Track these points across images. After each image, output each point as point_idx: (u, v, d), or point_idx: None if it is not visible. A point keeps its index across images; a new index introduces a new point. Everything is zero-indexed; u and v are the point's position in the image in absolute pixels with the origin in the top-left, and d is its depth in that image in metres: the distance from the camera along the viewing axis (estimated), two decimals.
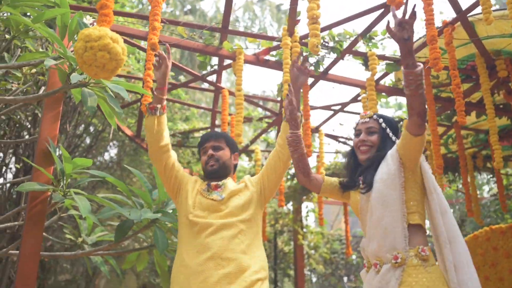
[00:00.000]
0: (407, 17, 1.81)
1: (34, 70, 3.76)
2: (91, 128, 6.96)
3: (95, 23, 2.76)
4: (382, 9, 3.73)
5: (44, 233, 4.47)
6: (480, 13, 3.41)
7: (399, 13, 1.84)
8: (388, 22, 1.85)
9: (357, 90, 4.86)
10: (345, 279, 10.23)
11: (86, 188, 6.96)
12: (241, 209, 2.47)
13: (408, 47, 1.84)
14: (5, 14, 2.80)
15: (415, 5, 1.81)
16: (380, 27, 4.10)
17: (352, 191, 2.28)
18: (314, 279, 10.70)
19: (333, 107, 5.53)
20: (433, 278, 1.92)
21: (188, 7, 17.33)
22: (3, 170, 5.20)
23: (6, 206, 5.09)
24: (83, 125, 6.53)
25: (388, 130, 2.23)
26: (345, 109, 5.50)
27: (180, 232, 2.54)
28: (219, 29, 4.00)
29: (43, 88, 3.70)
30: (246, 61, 4.14)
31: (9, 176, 5.41)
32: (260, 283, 2.32)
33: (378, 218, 2.04)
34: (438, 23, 3.65)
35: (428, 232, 2.85)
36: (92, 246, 3.86)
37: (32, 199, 2.93)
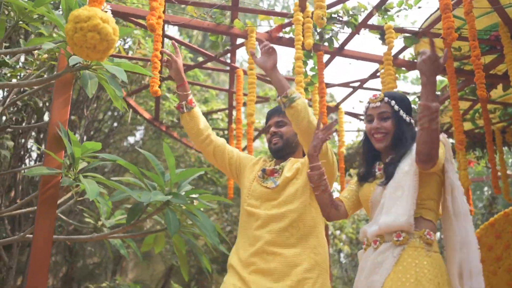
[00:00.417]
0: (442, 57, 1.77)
1: (45, 55, 3.77)
2: (115, 112, 7.01)
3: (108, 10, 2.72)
4: None
5: (65, 218, 4.54)
6: None
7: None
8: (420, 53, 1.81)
9: (376, 66, 4.71)
10: None
11: (112, 172, 7.04)
12: (293, 196, 2.27)
13: (432, 81, 1.78)
14: None
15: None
16: None
17: (367, 182, 2.15)
18: (343, 260, 10.62)
19: (351, 84, 5.38)
20: (434, 264, 1.82)
21: None
22: (26, 155, 5.30)
23: (29, 192, 5.19)
24: (106, 111, 6.58)
25: (401, 112, 2.08)
26: (365, 85, 5.35)
27: (240, 219, 2.45)
28: (229, 7, 3.91)
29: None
30: (258, 39, 4.04)
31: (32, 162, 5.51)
32: (311, 282, 2.12)
33: (389, 206, 1.93)
34: None
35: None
36: (111, 229, 3.90)
37: (44, 183, 2.95)
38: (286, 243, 2.19)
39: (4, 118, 4.10)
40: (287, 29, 4.15)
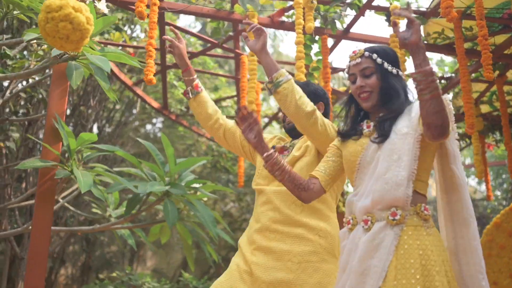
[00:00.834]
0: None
1: (45, 46, 3.75)
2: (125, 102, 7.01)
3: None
4: None
5: (74, 208, 4.57)
6: None
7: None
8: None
9: None
10: None
11: (122, 162, 7.05)
12: (299, 174, 2.16)
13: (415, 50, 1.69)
14: None
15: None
16: None
17: (351, 140, 1.95)
18: None
19: None
20: (435, 242, 1.68)
21: None
22: (37, 146, 5.33)
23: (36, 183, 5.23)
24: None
25: (385, 64, 1.89)
26: None
27: None
28: None
29: None
30: (260, 24, 3.94)
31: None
32: (311, 268, 2.03)
33: (383, 170, 1.75)
34: None
35: None
36: (117, 219, 3.90)
37: (41, 176, 2.95)
38: (289, 222, 2.11)
39: (7, 110, 4.11)
40: (290, 12, 4.03)
